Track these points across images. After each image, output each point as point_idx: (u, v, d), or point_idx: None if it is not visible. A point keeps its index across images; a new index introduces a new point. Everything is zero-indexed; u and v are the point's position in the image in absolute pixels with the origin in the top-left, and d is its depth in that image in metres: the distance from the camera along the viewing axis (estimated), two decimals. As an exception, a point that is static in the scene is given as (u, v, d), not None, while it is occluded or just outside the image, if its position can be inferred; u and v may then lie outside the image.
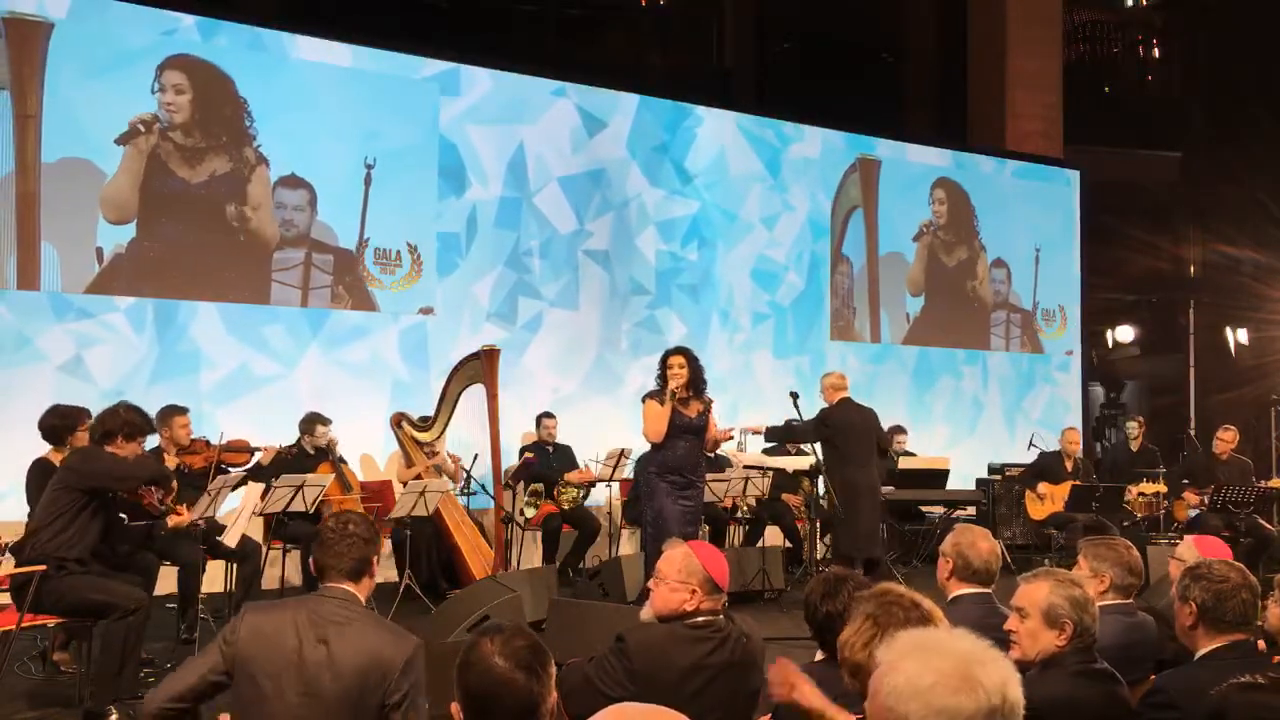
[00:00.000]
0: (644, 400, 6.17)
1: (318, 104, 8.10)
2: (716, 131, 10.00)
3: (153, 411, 5.47)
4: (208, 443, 6.08)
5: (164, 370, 7.43)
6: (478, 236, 8.73)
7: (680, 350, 6.24)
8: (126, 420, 4.70)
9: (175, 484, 5.31)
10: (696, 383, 6.14)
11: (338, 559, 2.70)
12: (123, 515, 5.15)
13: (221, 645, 2.58)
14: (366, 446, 8.02)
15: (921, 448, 10.03)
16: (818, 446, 7.26)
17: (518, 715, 1.91)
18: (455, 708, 1.94)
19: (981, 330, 11.53)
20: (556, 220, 9.11)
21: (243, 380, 7.71)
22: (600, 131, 9.36)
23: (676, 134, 9.78)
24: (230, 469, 6.09)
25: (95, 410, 5.04)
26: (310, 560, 2.85)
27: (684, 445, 6.07)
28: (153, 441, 6.04)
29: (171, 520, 5.27)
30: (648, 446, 6.24)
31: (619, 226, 9.41)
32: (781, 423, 8.87)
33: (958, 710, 1.51)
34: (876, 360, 10.79)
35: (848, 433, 7.08)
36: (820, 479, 7.55)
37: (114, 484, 4.65)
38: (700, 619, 2.93)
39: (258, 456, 6.38)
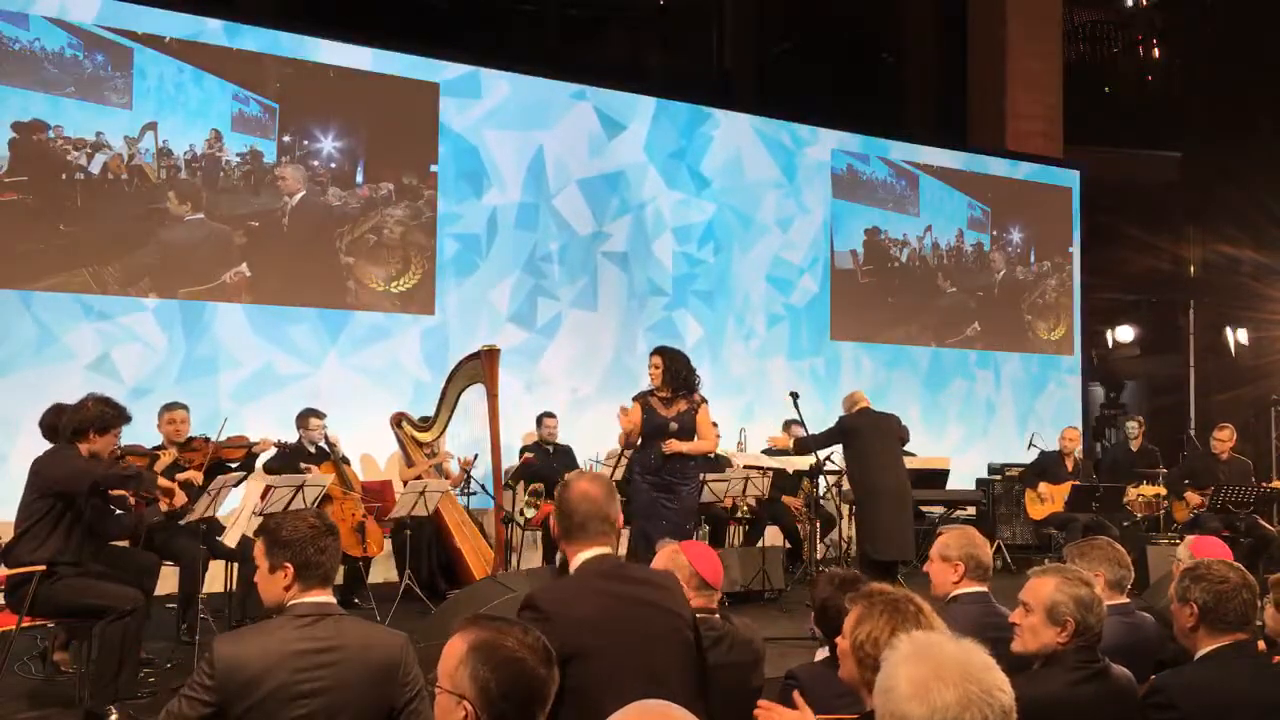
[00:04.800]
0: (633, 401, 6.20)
1: (333, 105, 8.14)
2: (732, 135, 10.04)
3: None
4: (206, 439, 6.08)
5: (190, 369, 7.52)
6: (497, 239, 8.78)
7: (658, 350, 6.24)
8: (96, 414, 4.62)
9: (164, 480, 5.24)
10: (675, 381, 6.08)
11: (334, 562, 2.51)
12: (116, 509, 5.12)
13: (204, 682, 2.36)
14: (368, 446, 8.04)
15: (934, 450, 10.04)
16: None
17: (538, 708, 1.90)
18: (453, 702, 1.87)
19: (961, 327, 11.50)
20: (575, 222, 9.15)
21: (267, 380, 7.79)
22: (618, 135, 9.41)
23: (693, 138, 9.82)
24: (229, 465, 6.09)
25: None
26: (285, 565, 2.50)
27: (656, 446, 6.05)
28: (154, 438, 6.07)
29: (163, 504, 5.23)
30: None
31: (636, 229, 9.45)
32: (783, 420, 8.96)
33: (957, 716, 1.53)
34: (890, 364, 10.79)
35: (864, 435, 7.04)
36: (820, 479, 7.57)
37: (68, 489, 4.52)
38: (697, 615, 2.93)
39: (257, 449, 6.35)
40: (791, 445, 7.64)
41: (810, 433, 7.34)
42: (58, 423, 5.06)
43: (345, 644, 2.43)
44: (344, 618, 2.52)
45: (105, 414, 4.65)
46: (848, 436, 7.12)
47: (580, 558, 2.69)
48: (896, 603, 2.37)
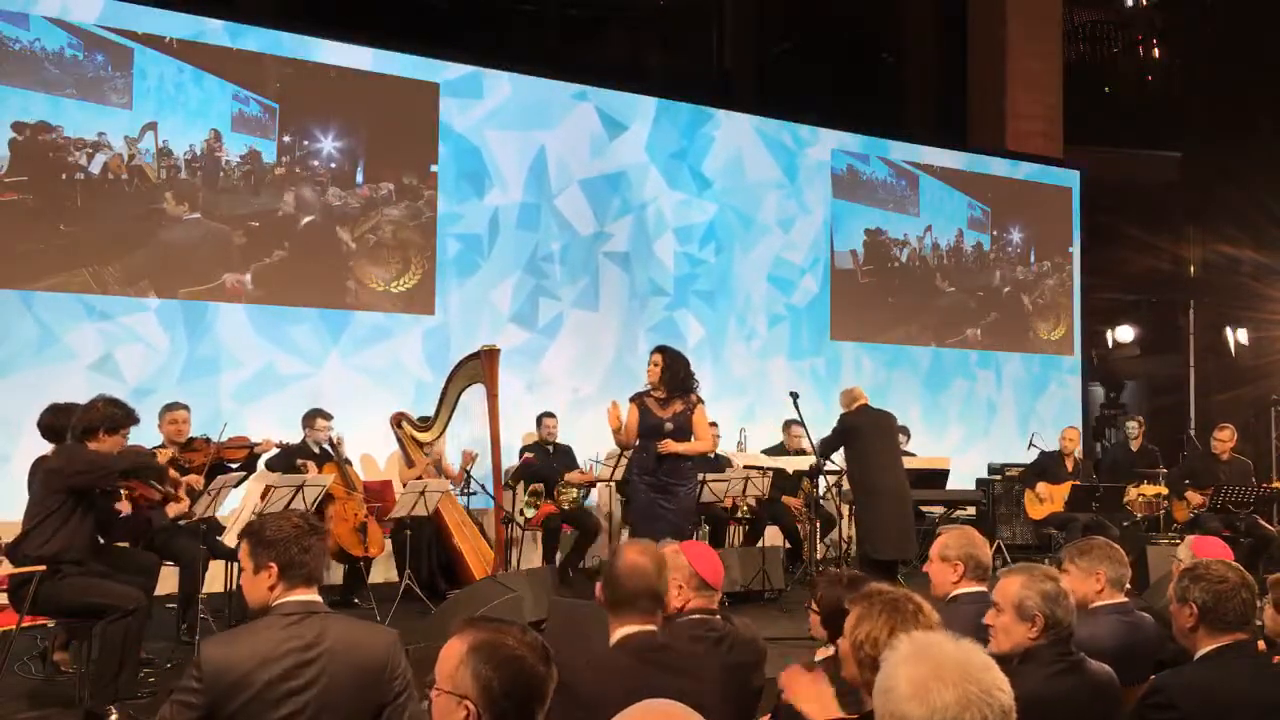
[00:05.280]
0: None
1: (333, 105, 8.17)
2: (733, 135, 10.06)
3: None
4: (207, 440, 6.08)
5: (192, 369, 7.54)
6: (499, 239, 8.80)
7: (660, 348, 6.23)
8: (106, 414, 4.65)
9: (173, 471, 5.26)
10: (673, 382, 6.05)
11: (318, 561, 2.50)
12: (119, 509, 5.13)
13: (193, 686, 2.34)
14: (368, 446, 8.05)
15: (935, 450, 10.05)
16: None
17: (538, 705, 1.90)
18: (452, 701, 1.87)
19: (961, 328, 11.50)
20: (576, 222, 9.17)
21: (269, 380, 7.82)
22: (620, 135, 9.43)
23: (694, 138, 9.85)
24: (230, 465, 6.10)
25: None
26: (269, 563, 2.50)
27: (651, 447, 6.04)
28: (156, 439, 6.08)
29: (171, 510, 5.24)
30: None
31: (638, 229, 9.47)
32: (785, 421, 8.97)
33: (957, 716, 1.52)
34: (891, 364, 10.79)
35: (865, 434, 7.04)
36: (820, 479, 7.56)
37: (92, 480, 4.58)
38: (694, 617, 2.92)
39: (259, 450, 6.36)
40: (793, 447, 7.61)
41: (810, 434, 7.32)
42: (56, 423, 5.06)
43: (333, 642, 2.43)
44: (330, 616, 2.51)
45: (114, 415, 4.67)
46: (848, 436, 7.11)
47: (620, 633, 2.61)
48: (896, 602, 2.37)
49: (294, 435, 7.00)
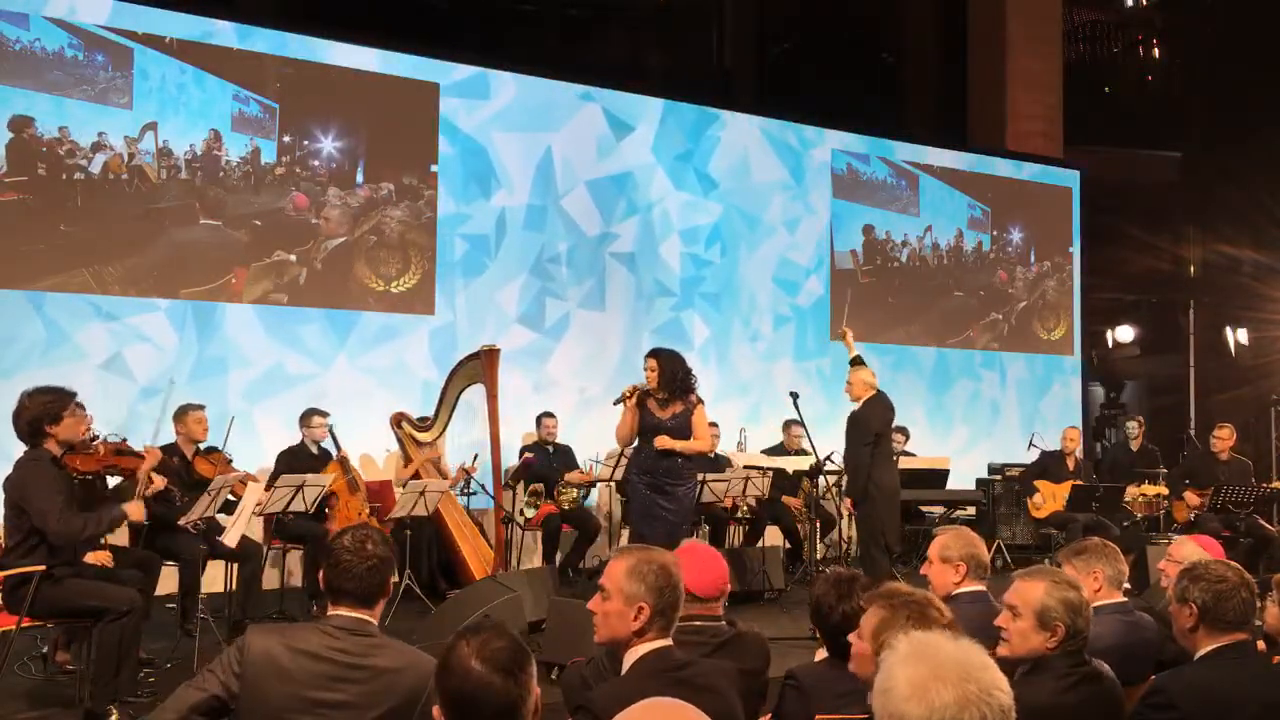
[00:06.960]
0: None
1: (333, 105, 8.17)
2: (738, 137, 10.07)
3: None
4: (229, 461, 6.06)
5: (201, 369, 7.55)
6: (506, 239, 8.81)
7: (653, 352, 6.25)
8: (40, 407, 4.47)
9: (118, 509, 4.76)
10: (671, 383, 6.07)
11: (356, 584, 2.51)
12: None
13: (233, 667, 2.41)
14: (370, 446, 8.04)
15: (940, 451, 10.04)
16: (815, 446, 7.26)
17: (496, 718, 1.89)
18: (437, 711, 1.90)
19: (962, 328, 11.49)
20: (583, 223, 9.17)
21: (277, 380, 7.83)
22: (626, 136, 9.44)
23: (700, 139, 9.86)
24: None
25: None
26: (319, 576, 2.60)
27: (650, 447, 6.04)
28: (167, 438, 6.04)
29: (144, 466, 5.11)
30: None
31: (644, 230, 9.47)
32: (785, 421, 8.95)
33: (956, 716, 1.53)
34: (896, 365, 10.78)
35: (883, 432, 6.99)
36: (820, 479, 7.55)
37: (37, 519, 4.37)
38: (696, 623, 2.91)
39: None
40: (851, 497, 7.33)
41: (810, 434, 7.27)
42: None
43: (375, 664, 2.45)
44: (381, 639, 2.52)
45: (48, 405, 4.50)
46: (872, 436, 6.92)
47: (643, 649, 2.47)
48: (917, 604, 2.38)
49: (297, 436, 7.01)
